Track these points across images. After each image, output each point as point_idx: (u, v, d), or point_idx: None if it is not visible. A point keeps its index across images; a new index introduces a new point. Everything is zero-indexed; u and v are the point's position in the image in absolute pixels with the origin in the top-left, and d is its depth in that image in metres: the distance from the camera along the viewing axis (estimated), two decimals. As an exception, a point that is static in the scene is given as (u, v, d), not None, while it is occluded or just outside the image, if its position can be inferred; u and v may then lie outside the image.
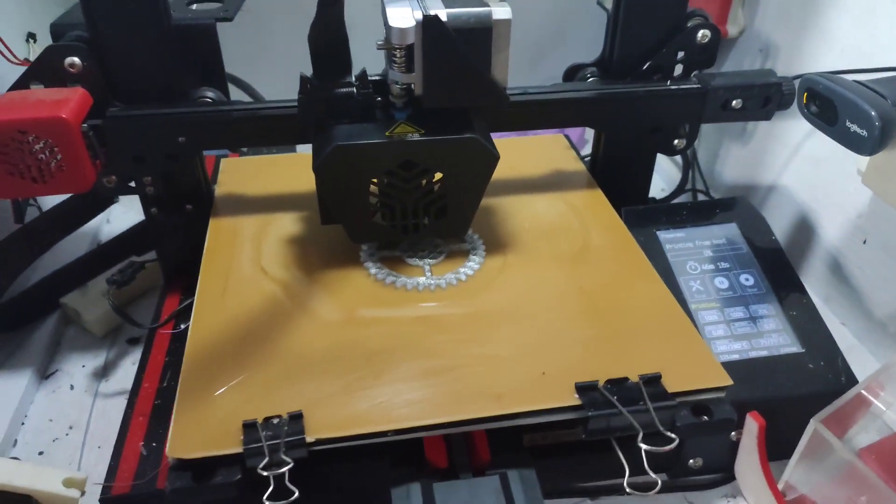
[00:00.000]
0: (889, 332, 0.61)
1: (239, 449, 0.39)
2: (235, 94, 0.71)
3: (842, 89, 0.51)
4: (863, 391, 0.49)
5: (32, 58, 0.69)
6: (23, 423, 0.57)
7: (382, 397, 0.42)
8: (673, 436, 0.41)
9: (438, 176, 0.51)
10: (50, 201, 0.62)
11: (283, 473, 0.38)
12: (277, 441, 0.38)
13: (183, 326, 0.57)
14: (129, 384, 0.59)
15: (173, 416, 0.41)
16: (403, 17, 0.44)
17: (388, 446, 0.42)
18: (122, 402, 0.58)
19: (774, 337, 0.53)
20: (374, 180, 0.50)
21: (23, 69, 0.67)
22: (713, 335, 0.53)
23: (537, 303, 0.50)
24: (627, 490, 0.41)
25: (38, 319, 0.64)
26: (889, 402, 0.55)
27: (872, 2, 0.60)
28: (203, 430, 0.40)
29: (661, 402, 0.42)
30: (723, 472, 0.52)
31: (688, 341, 0.47)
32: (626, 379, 0.43)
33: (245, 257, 0.54)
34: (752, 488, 0.51)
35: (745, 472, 0.51)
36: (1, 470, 0.49)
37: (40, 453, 0.54)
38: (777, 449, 0.48)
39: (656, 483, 0.41)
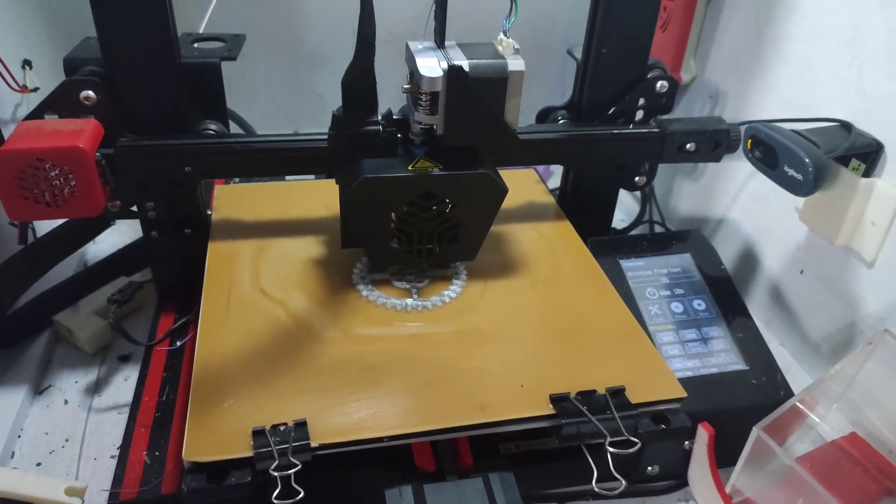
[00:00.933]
0: (822, 353, 0.67)
1: (249, 453, 0.42)
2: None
3: (781, 137, 0.57)
4: (798, 403, 0.53)
5: (29, 84, 0.72)
6: (19, 436, 0.58)
7: (378, 407, 0.46)
8: (636, 440, 0.46)
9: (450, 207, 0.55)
10: (44, 224, 0.64)
11: (291, 475, 0.42)
12: (286, 446, 0.42)
13: (179, 344, 0.60)
14: (121, 399, 0.62)
15: (187, 424, 0.44)
16: (433, 67, 0.49)
17: (382, 452, 0.45)
18: (115, 416, 0.61)
19: (723, 356, 0.59)
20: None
21: (21, 95, 0.71)
22: (669, 354, 0.58)
23: (515, 322, 0.55)
24: (596, 489, 0.46)
25: (30, 337, 0.66)
26: (822, 416, 0.61)
27: (810, 59, 0.66)
28: (215, 436, 0.43)
29: (625, 412, 0.47)
30: (677, 479, 0.57)
31: (648, 358, 0.52)
32: (594, 391, 0.48)
33: (244, 279, 0.57)
34: (702, 492, 0.55)
35: (697, 478, 0.55)
36: (5, 479, 0.51)
37: (38, 464, 0.56)
38: (725, 456, 0.53)
39: (621, 483, 0.46)
